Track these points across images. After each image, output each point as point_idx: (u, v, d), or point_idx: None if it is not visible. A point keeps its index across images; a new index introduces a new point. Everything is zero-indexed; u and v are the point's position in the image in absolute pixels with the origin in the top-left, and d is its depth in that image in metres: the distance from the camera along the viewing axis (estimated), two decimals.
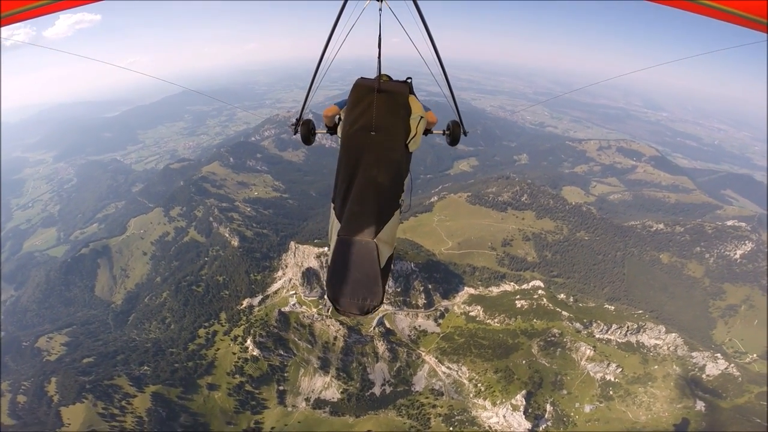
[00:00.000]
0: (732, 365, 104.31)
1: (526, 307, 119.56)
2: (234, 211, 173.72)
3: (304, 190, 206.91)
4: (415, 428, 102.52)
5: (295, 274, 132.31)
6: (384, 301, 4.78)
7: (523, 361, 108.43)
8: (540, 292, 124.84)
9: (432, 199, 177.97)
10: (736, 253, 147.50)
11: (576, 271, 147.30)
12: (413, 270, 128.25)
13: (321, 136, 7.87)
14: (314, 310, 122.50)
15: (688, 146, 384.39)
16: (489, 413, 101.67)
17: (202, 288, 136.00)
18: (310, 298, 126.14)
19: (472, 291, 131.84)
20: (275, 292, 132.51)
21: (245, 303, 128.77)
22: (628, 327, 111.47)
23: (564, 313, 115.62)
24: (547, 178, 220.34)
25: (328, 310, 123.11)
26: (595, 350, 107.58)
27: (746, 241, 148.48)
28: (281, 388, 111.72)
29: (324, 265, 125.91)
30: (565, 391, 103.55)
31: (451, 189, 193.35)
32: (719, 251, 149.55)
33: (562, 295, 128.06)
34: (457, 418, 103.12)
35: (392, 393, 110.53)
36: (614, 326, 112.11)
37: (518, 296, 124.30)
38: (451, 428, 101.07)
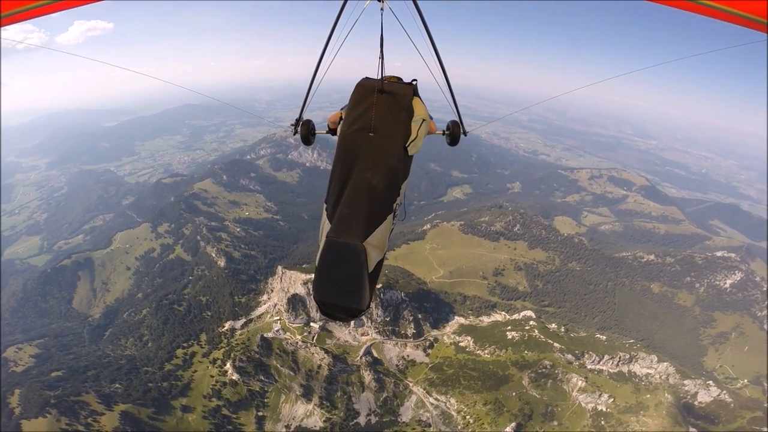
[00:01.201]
0: (724, 392, 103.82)
1: (517, 338, 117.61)
2: (223, 230, 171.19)
3: (295, 212, 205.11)
4: None
5: (280, 300, 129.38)
6: (371, 305, 4.79)
7: (513, 393, 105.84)
8: (531, 323, 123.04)
9: (425, 227, 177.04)
10: (725, 283, 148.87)
11: (567, 301, 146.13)
12: (403, 299, 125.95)
13: (320, 137, 7.84)
14: (299, 337, 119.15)
15: (677, 175, 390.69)
16: None
17: (184, 307, 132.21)
18: (294, 325, 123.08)
19: (462, 320, 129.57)
20: (259, 317, 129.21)
21: (227, 325, 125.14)
22: (620, 357, 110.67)
23: (555, 344, 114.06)
24: (540, 207, 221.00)
25: (313, 338, 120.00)
26: (587, 381, 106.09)
27: (736, 271, 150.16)
28: (260, 413, 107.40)
29: (310, 291, 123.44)
30: (555, 423, 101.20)
31: (444, 217, 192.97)
32: (709, 281, 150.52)
33: (554, 325, 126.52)
34: None
35: (378, 423, 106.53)
36: (606, 357, 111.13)
37: (509, 327, 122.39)
38: None
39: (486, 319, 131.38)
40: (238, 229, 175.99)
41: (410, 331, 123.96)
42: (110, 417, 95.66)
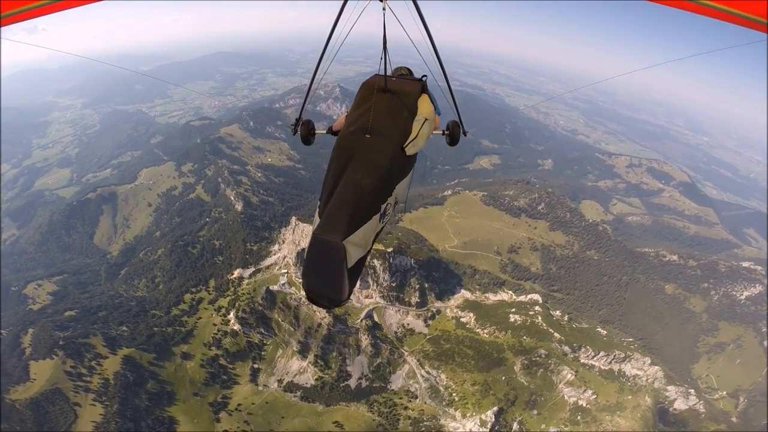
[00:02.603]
0: (701, 401, 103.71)
1: (519, 322, 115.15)
2: (244, 174, 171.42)
3: (318, 162, 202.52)
4: (382, 426, 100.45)
5: (290, 252, 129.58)
6: (350, 297, 5.14)
7: (503, 377, 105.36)
8: (537, 308, 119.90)
9: (445, 193, 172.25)
10: (742, 294, 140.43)
11: (577, 289, 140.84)
12: (412, 266, 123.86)
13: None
14: (302, 293, 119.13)
15: (722, 176, 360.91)
16: (456, 424, 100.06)
17: (198, 250, 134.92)
18: (300, 280, 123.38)
19: (468, 295, 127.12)
20: (267, 267, 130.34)
21: (236, 273, 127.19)
22: (615, 355, 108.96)
23: (556, 334, 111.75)
24: (568, 188, 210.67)
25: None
26: (576, 375, 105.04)
27: (756, 284, 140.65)
28: (256, 366, 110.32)
29: None
30: (535, 412, 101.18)
31: (467, 185, 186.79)
32: (726, 290, 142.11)
33: (558, 312, 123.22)
34: (425, 423, 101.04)
35: (367, 388, 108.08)
36: (602, 353, 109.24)
37: (514, 309, 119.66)
38: None
39: (492, 297, 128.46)
40: (259, 174, 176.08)
41: (414, 299, 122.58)
42: (113, 361, 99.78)
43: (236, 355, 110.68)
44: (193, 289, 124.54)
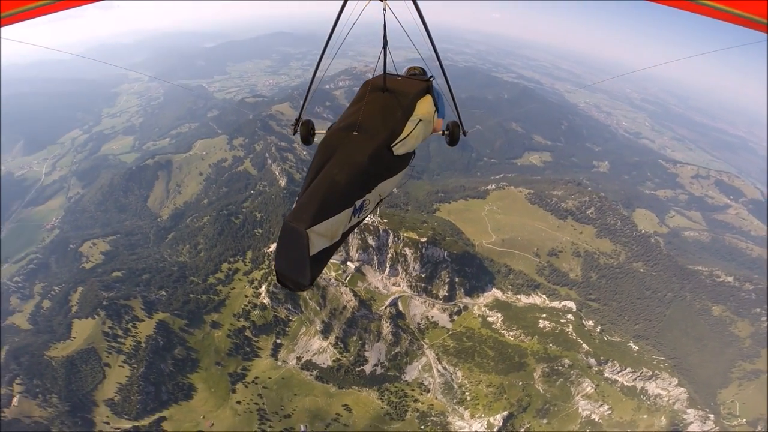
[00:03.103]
0: (717, 428, 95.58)
1: (548, 329, 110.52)
2: (291, 152, 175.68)
3: None
4: (389, 416, 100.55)
5: None
6: (313, 283, 5.23)
7: (520, 382, 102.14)
8: (569, 316, 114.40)
9: (489, 186, 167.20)
10: None
11: (616, 301, 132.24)
12: (444, 259, 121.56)
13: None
14: (333, 274, 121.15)
15: None
16: (463, 423, 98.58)
17: (240, 221, 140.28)
18: (333, 260, 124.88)
19: (499, 294, 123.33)
20: None
21: (272, 247, 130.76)
22: (641, 373, 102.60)
23: (584, 345, 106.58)
24: (623, 194, 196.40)
25: (347, 278, 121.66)
26: (596, 388, 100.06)
27: None
28: (278, 341, 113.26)
29: (356, 231, 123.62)
30: (545, 421, 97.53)
31: (513, 181, 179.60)
32: None
33: (590, 322, 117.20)
34: (431, 419, 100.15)
35: (381, 375, 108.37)
36: (628, 369, 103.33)
37: (545, 315, 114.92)
38: (422, 427, 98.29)
39: (524, 299, 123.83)
40: (304, 153, 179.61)
41: (442, 293, 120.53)
42: (147, 324, 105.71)
43: (262, 328, 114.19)
44: (231, 259, 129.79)
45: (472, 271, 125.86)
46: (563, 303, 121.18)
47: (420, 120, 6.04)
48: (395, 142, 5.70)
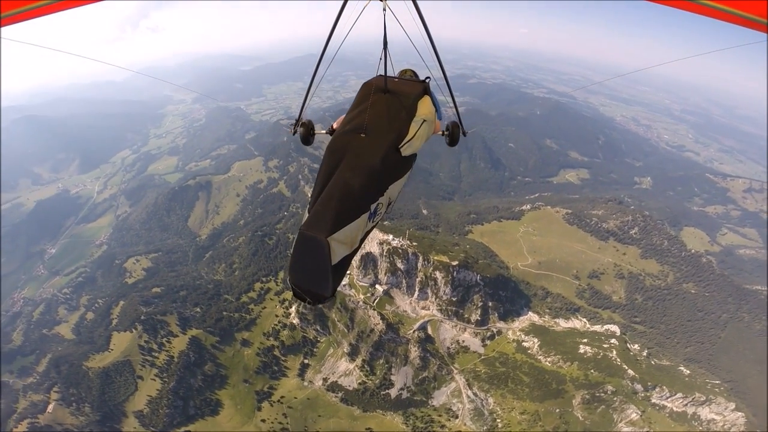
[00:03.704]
0: None
1: (589, 354, 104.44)
2: None
3: None
4: None
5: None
6: (335, 294, 5.13)
7: (557, 410, 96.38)
8: (612, 341, 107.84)
9: (523, 207, 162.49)
10: None
11: (664, 323, 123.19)
12: (477, 283, 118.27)
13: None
14: (361, 296, 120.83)
15: None
16: None
17: (273, 241, 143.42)
18: (361, 283, 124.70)
19: (535, 318, 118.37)
20: None
21: None
22: (694, 398, 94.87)
23: (629, 371, 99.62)
24: (669, 212, 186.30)
25: (375, 301, 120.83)
26: (642, 415, 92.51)
27: None
28: (306, 361, 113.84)
29: (383, 252, 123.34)
30: None
31: (549, 200, 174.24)
32: None
33: (636, 346, 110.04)
34: None
35: (407, 399, 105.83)
36: (679, 394, 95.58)
37: (586, 339, 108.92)
38: None
39: (562, 323, 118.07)
40: None
41: (475, 317, 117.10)
42: (181, 340, 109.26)
43: (290, 348, 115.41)
44: (264, 279, 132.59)
45: (506, 294, 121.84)
46: (606, 327, 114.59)
47: (424, 120, 6.02)
48: (402, 144, 5.66)
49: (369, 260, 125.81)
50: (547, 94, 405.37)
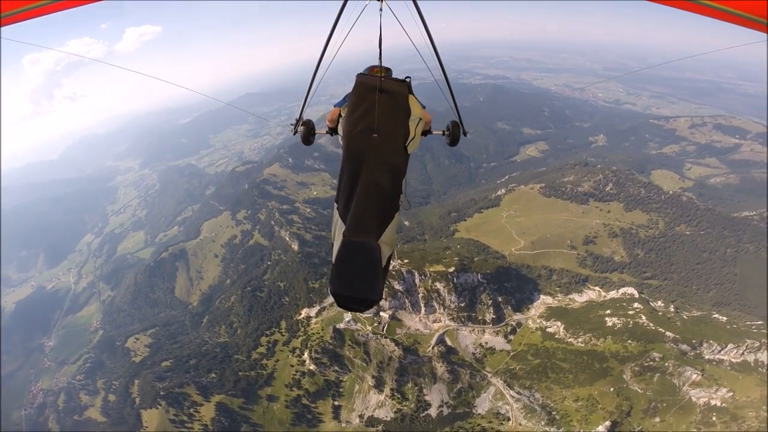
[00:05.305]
0: None
1: (619, 325, 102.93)
2: (294, 213, 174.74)
3: None
4: None
5: None
6: (383, 296, 5.14)
7: (611, 389, 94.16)
8: (636, 305, 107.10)
9: (499, 192, 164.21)
10: None
11: (675, 272, 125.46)
12: (480, 282, 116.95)
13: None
14: (369, 328, 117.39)
15: None
16: None
17: (265, 294, 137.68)
18: (364, 315, 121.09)
19: (549, 301, 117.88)
20: (331, 304, 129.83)
21: (303, 313, 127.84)
22: (747, 345, 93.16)
23: (668, 333, 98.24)
24: (633, 161, 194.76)
25: (383, 328, 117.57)
26: (703, 374, 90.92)
27: None
28: (336, 403, 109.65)
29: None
30: (657, 419, 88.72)
31: (521, 179, 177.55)
32: None
33: (660, 303, 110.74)
34: None
35: (450, 414, 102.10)
36: (730, 345, 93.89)
37: (608, 310, 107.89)
38: None
39: (578, 298, 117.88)
40: (308, 210, 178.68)
41: (489, 316, 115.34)
42: (208, 408, 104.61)
43: (316, 394, 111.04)
44: (267, 332, 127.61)
45: (512, 285, 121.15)
46: (621, 291, 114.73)
47: (420, 119, 6.03)
48: (407, 142, 5.71)
49: None
50: (482, 80, 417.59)
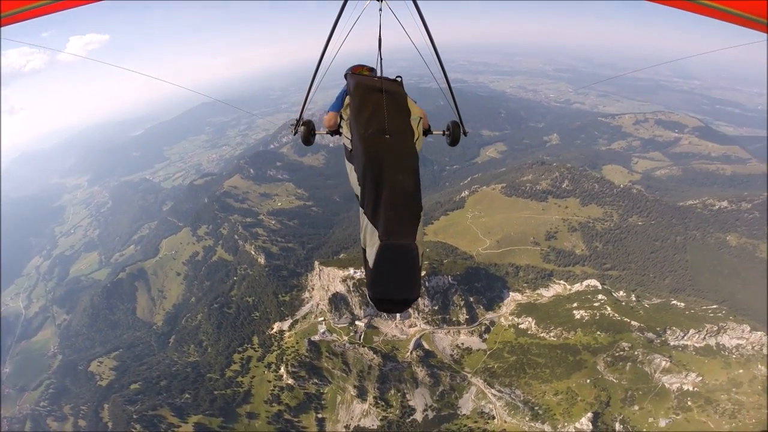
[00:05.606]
0: None
1: (587, 318, 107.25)
2: (259, 226, 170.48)
3: (327, 195, 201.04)
4: None
5: (322, 298, 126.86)
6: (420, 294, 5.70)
7: (588, 380, 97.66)
8: (600, 297, 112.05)
9: (462, 194, 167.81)
10: None
11: (632, 262, 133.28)
12: (451, 284, 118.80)
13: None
14: (345, 338, 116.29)
15: (731, 113, 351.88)
16: None
17: (234, 310, 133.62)
18: (340, 325, 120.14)
19: (519, 297, 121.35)
20: (304, 317, 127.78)
21: (275, 327, 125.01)
22: (707, 329, 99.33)
23: (633, 322, 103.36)
24: (585, 158, 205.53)
25: (360, 337, 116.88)
26: (671, 360, 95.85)
27: None
28: (320, 415, 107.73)
29: (350, 288, 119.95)
30: (636, 407, 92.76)
31: (483, 180, 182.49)
32: None
33: (622, 292, 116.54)
34: None
35: (436, 417, 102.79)
36: (692, 331, 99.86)
37: (575, 303, 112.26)
38: None
39: (545, 293, 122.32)
40: (273, 222, 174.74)
41: (462, 316, 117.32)
42: (185, 429, 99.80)
43: (298, 408, 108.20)
44: (240, 349, 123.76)
45: (481, 284, 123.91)
46: (585, 283, 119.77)
47: (420, 118, 6.09)
48: (414, 142, 5.74)
49: (339, 301, 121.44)
50: (442, 84, 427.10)
